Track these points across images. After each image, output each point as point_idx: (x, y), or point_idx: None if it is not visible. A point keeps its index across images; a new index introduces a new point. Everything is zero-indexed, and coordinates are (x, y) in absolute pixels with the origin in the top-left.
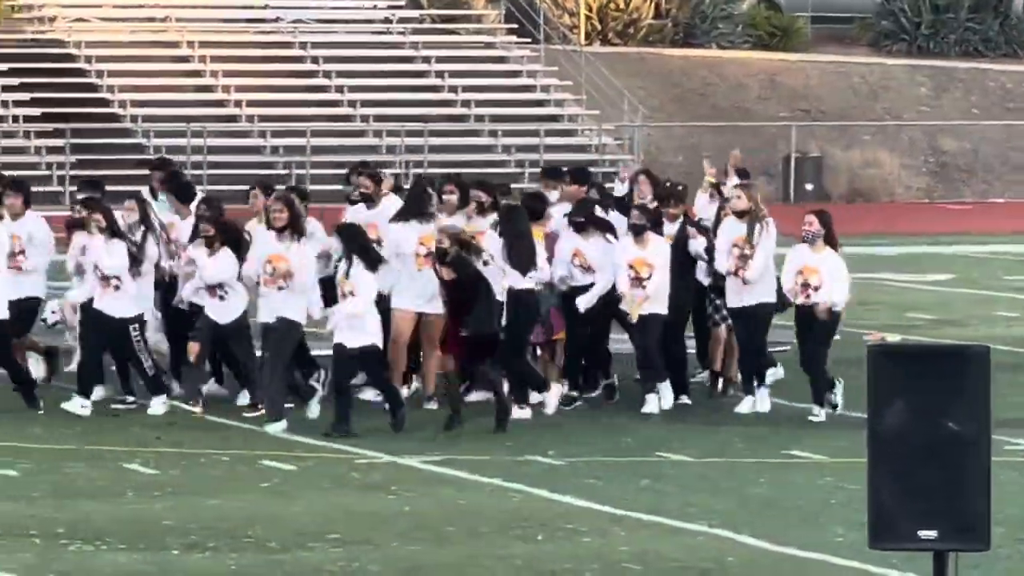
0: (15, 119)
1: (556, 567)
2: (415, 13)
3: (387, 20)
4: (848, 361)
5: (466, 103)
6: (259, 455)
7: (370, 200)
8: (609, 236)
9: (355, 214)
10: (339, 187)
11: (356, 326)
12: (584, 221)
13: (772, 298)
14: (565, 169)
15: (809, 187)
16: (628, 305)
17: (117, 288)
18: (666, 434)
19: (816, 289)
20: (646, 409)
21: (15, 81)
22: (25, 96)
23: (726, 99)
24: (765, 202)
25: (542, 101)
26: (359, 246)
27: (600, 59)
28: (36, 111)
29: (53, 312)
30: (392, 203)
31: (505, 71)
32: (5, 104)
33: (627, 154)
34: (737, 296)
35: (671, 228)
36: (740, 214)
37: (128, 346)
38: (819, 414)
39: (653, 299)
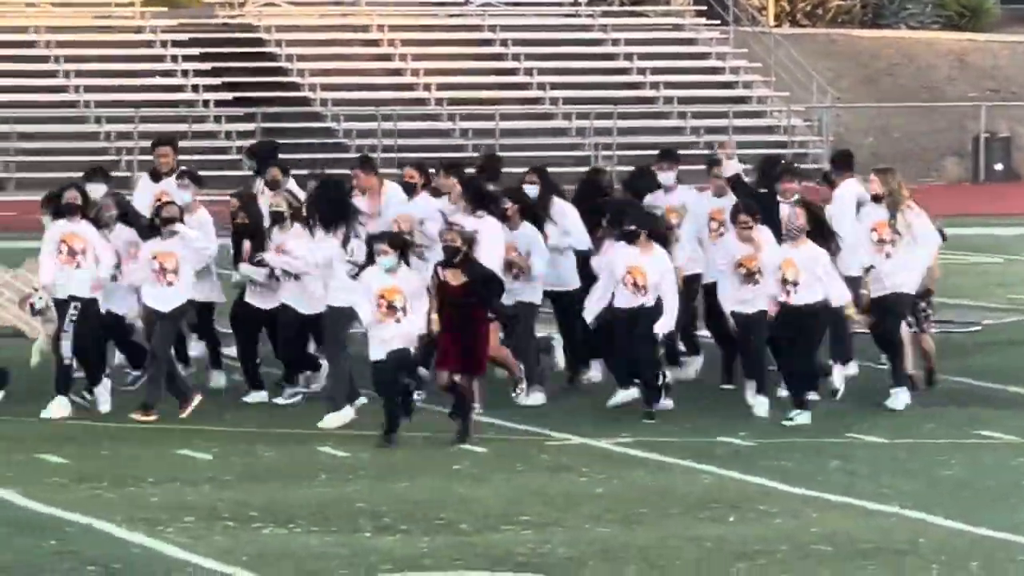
0: (206, 103)
1: (746, 548)
2: None
3: (576, 3)
4: None
5: (655, 85)
6: (450, 437)
7: (412, 190)
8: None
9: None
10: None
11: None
12: (634, 231)
13: (910, 288)
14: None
15: (998, 167)
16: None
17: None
18: (855, 415)
19: (795, 284)
20: (757, 412)
21: (206, 66)
22: (216, 80)
23: (915, 80)
24: (957, 182)
25: (731, 83)
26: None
27: (789, 41)
28: (227, 95)
29: (40, 298)
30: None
31: (694, 53)
32: (196, 88)
33: (816, 135)
34: (878, 284)
35: (785, 209)
36: (876, 199)
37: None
38: (796, 418)
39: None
